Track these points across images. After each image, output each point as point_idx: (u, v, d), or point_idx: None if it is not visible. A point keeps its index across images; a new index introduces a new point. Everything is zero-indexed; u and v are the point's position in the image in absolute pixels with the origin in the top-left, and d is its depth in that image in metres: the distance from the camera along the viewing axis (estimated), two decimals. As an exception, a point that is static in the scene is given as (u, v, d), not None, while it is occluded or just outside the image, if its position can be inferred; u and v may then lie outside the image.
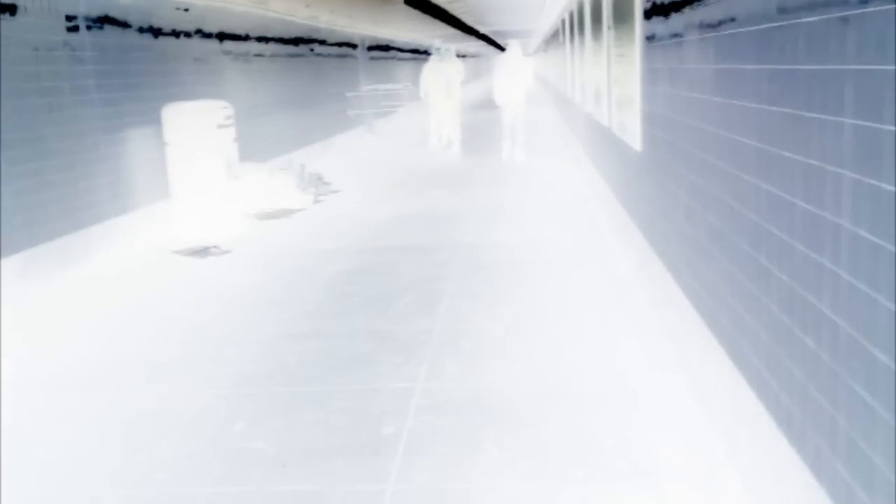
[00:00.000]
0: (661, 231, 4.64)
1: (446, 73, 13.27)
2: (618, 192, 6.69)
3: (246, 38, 10.68)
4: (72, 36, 6.49)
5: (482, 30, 27.07)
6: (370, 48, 18.80)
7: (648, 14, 4.95)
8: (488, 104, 16.46)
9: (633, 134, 5.71)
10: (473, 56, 43.76)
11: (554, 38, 21.57)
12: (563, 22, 15.97)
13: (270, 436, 3.25)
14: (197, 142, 7.38)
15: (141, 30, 7.66)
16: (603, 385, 3.61)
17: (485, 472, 2.89)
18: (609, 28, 7.12)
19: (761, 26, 2.60)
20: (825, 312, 2.06)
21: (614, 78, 6.86)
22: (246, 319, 4.85)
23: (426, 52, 13.70)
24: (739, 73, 2.86)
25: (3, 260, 5.41)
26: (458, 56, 14.17)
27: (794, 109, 2.28)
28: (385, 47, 20.87)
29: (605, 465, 2.89)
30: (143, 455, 3.13)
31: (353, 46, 17.22)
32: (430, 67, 13.41)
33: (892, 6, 1.70)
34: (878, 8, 1.77)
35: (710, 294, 3.39)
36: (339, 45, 15.98)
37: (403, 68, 22.57)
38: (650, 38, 5.00)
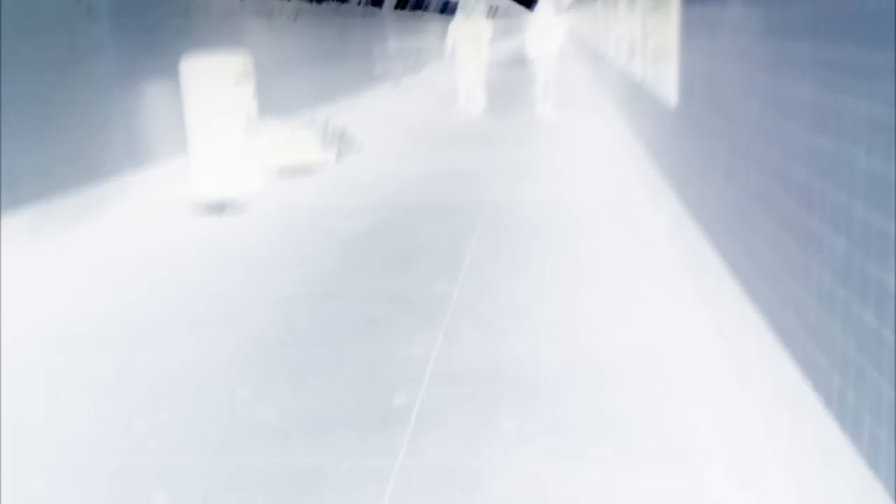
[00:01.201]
0: (697, 191, 4.35)
1: (474, 29, 12.87)
2: (651, 149, 6.37)
3: (269, -11, 10.39)
4: (84, -17, 6.26)
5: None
6: (397, 4, 18.37)
7: (689, -43, 4.61)
8: (519, 61, 16.03)
9: (667, 88, 5.38)
10: (503, 14, 42.93)
11: (587, -8, 20.95)
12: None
13: (275, 404, 3.07)
14: (215, 96, 7.14)
15: (158, -22, 7.40)
16: (631, 356, 3.37)
17: (500, 448, 2.68)
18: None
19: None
20: (889, 285, 1.80)
21: (649, 29, 6.50)
22: (259, 279, 4.66)
23: (454, 9, 13.27)
24: (792, 13, 2.56)
25: (14, 214, 5.26)
26: (489, 11, 13.74)
27: (859, 47, 1.99)
28: (413, 3, 20.41)
29: (631, 444, 2.67)
30: (141, 422, 2.96)
31: (380, 2, 16.82)
32: (456, 24, 13.01)
33: None
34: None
35: (750, 260, 3.13)
36: (366, 1, 15.59)
37: (431, 25, 22.09)
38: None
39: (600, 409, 2.92)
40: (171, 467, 2.64)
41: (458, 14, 13.07)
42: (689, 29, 4.67)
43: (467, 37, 12.89)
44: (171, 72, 7.18)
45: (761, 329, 2.91)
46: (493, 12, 32.76)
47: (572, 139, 9.71)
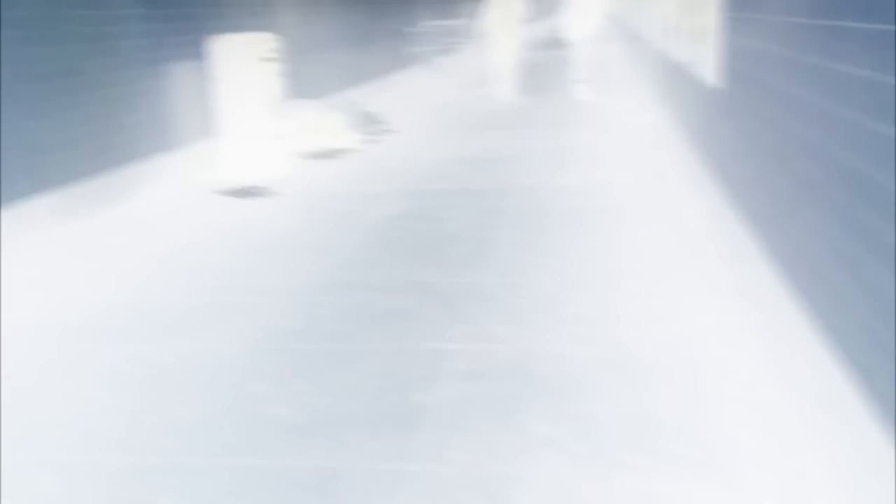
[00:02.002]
0: (738, 178, 4.14)
1: (507, 10, 12.62)
2: (690, 134, 6.14)
3: (299, -31, 10.24)
4: (110, -37, 6.17)
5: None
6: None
7: (732, -70, 4.38)
8: (556, 42, 15.75)
9: (708, 69, 5.15)
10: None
11: (625, -29, 20.52)
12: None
13: (292, 400, 2.95)
14: (242, 76, 7.04)
15: (186, -42, 7.29)
16: (665, 353, 3.20)
17: (525, 452, 2.53)
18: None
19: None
20: (959, 289, 1.61)
21: (688, 8, 6.25)
22: (282, 266, 4.55)
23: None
24: (848, -13, 2.35)
25: (39, 197, 5.21)
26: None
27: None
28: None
29: (666, 449, 2.50)
30: (153, 417, 2.86)
31: (414, -20, 16.59)
32: (490, 4, 12.77)
33: None
34: None
35: (794, 253, 2.93)
36: (399, -22, 15.39)
37: (466, 4, 21.80)
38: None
39: (632, 411, 2.75)
40: (180, 467, 2.53)
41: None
42: (732, 7, 4.43)
43: (501, 17, 12.65)
44: (200, 52, 7.08)
45: (805, 327, 2.72)
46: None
47: (608, 122, 9.47)
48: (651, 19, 10.63)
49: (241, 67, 7.06)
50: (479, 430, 2.68)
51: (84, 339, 3.59)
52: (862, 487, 2.07)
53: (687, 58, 6.43)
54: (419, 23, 16.69)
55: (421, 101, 12.64)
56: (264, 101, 7.17)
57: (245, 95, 7.07)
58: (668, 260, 4.34)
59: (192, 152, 7.16)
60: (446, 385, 3.00)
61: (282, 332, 3.59)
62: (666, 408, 2.76)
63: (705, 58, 5.34)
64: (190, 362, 3.30)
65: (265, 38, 7.23)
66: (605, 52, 17.47)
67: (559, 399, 2.86)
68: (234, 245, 5.03)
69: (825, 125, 2.57)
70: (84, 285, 4.35)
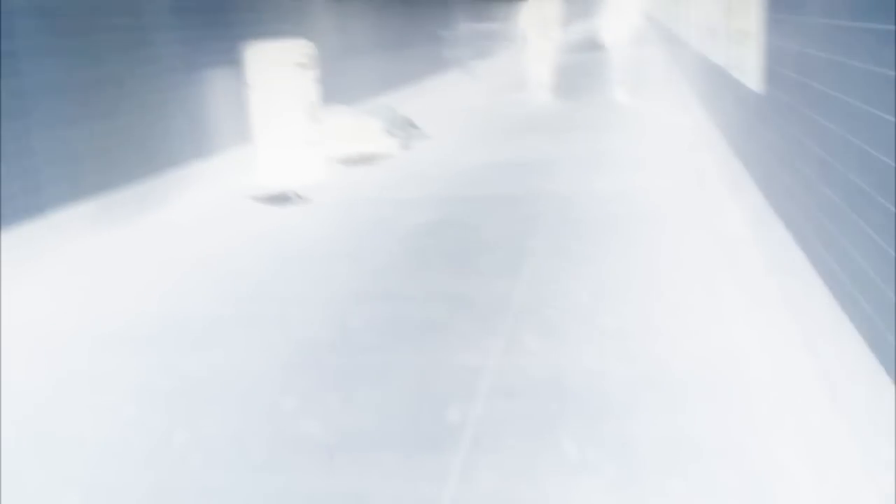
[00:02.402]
0: (784, 186, 4.00)
1: (544, 13, 12.49)
2: (732, 139, 5.98)
3: (335, -26, 10.23)
4: (147, -29, 6.19)
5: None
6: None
7: (777, -70, 4.23)
8: (594, 43, 15.58)
9: (751, 73, 5.00)
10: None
11: (664, -28, 20.26)
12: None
13: (322, 417, 2.88)
14: (278, 83, 7.03)
15: (222, -35, 7.31)
16: (707, 370, 3.08)
17: (561, 476, 2.43)
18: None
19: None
20: None
21: (730, 9, 6.09)
22: (316, 275, 4.50)
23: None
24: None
25: (75, 205, 5.23)
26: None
27: None
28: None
29: (708, 475, 2.39)
30: (183, 433, 2.81)
31: (451, -16, 16.54)
32: (527, 6, 12.66)
33: None
34: None
35: (844, 267, 2.79)
36: (436, -18, 15.35)
37: (504, 7, 21.70)
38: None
39: (673, 433, 2.64)
40: (207, 486, 2.48)
41: (529, -4, 12.72)
42: (776, 8, 4.29)
43: (538, 20, 12.53)
44: (236, 59, 7.09)
45: (857, 345, 2.58)
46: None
47: (647, 125, 9.31)
48: (690, 21, 10.44)
49: (277, 74, 7.06)
50: (513, 450, 2.59)
51: (115, 351, 3.57)
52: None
53: (727, 60, 6.27)
54: (456, 26, 16.64)
55: (456, 105, 12.57)
56: (300, 107, 7.15)
57: (280, 101, 7.07)
58: (709, 269, 4.21)
59: (229, 158, 7.17)
60: (479, 402, 2.92)
61: (313, 345, 3.54)
62: (708, 430, 2.65)
63: (746, 61, 5.19)
64: (220, 376, 3.26)
65: (300, 45, 7.22)
66: (642, 54, 17.25)
67: (595, 419, 2.76)
68: (268, 253, 4.99)
69: (871, 132, 2.44)
70: (118, 294, 4.34)
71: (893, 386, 2.22)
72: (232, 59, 7.12)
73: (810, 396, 2.83)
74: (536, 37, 12.55)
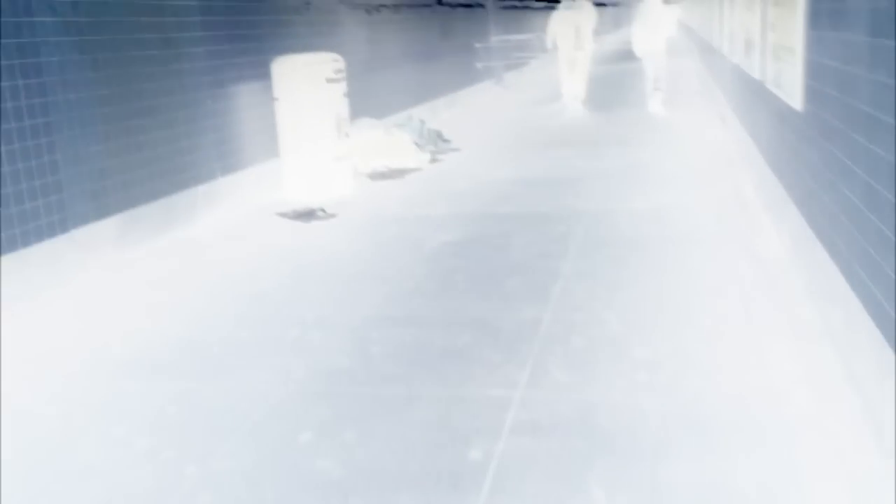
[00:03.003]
0: (826, 210, 3.82)
1: (577, 21, 12.29)
2: (770, 156, 5.79)
3: (367, -13, 10.19)
4: (175, -14, 6.17)
5: (622, -25, 25.48)
6: (501, -4, 17.96)
7: (820, -58, 4.06)
8: (627, 54, 15.39)
9: (791, 89, 4.81)
10: (613, 4, 41.81)
11: (700, -19, 19.99)
12: (712, -37, 14.61)
13: (338, 452, 2.77)
14: (306, 97, 6.97)
15: (252, -21, 7.27)
16: (746, 407, 2.91)
17: (588, 525, 2.29)
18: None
19: None
20: None
21: (769, 22, 5.90)
22: (339, 297, 4.40)
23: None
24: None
25: (97, 223, 5.19)
26: (595, 3, 13.08)
27: None
28: (517, -5, 19.96)
29: (746, 528, 2.23)
30: (193, 468, 2.71)
31: (484, -5, 16.45)
32: (558, 15, 12.47)
33: None
34: None
35: (890, 298, 2.62)
36: (468, -7, 15.27)
37: (537, 17, 21.57)
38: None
39: (708, 477, 2.48)
40: (216, 528, 2.38)
41: (561, 5, 12.54)
42: (818, 24, 4.11)
43: (570, 29, 12.33)
44: (264, 73, 7.04)
45: (909, 388, 2.41)
46: (599, 3, 31.90)
47: (682, 140, 9.11)
48: (728, 33, 10.22)
49: (305, 88, 7.00)
50: (538, 495, 2.45)
51: (130, 376, 3.49)
52: None
53: (765, 75, 6.08)
54: (488, 37, 16.54)
55: (488, 118, 12.45)
56: (327, 122, 7.08)
57: (308, 116, 7.01)
58: (749, 296, 4.03)
59: (256, 174, 7.12)
60: (503, 440, 2.78)
61: (332, 373, 3.43)
62: (748, 475, 2.48)
63: (785, 77, 5.01)
64: (236, 405, 3.16)
65: (329, 58, 7.16)
66: (678, 65, 16.96)
67: (625, 460, 2.61)
68: (292, 272, 4.90)
69: (933, 163, 2.28)
70: (137, 315, 4.27)
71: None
72: (260, 74, 7.07)
73: (856, 438, 2.66)
74: (569, 47, 12.35)
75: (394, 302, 4.28)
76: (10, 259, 4.44)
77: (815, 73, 4.16)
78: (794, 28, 4.63)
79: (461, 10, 14.81)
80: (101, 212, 5.26)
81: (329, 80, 7.05)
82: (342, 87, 7.20)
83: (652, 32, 11.80)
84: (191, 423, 3.04)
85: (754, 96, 6.88)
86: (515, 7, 19.68)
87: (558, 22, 12.36)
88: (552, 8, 13.95)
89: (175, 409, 3.16)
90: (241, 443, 2.87)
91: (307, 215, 6.42)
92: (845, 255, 3.40)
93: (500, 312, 4.02)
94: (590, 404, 3.00)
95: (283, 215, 6.44)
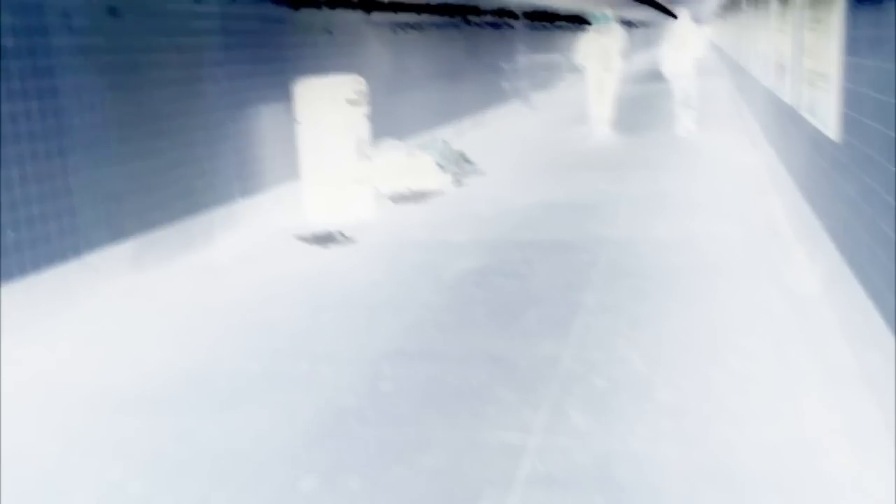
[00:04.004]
0: (862, 243, 3.62)
1: (605, 43, 12.14)
2: (803, 185, 5.58)
3: (394, 7, 10.13)
4: (198, 7, 6.11)
5: (652, -4, 25.34)
6: (529, 17, 17.88)
7: (858, -35, 3.88)
8: (656, 75, 15.20)
9: (826, 117, 4.62)
10: (643, 25, 41.65)
11: (732, 2, 19.78)
12: (743, -16, 14.42)
13: (342, 501, 2.61)
14: (327, 119, 6.88)
15: (277, 0, 7.22)
16: (779, 460, 2.72)
17: None
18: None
19: None
20: None
21: (803, 47, 5.71)
22: (352, 329, 4.26)
23: (590, 22, 12.57)
24: None
25: (111, 247, 5.11)
26: (622, 24, 12.94)
27: None
28: (546, 15, 19.87)
29: None
30: (188, 515, 2.58)
31: (511, 15, 16.38)
32: (587, 37, 12.33)
33: None
34: None
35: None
36: (497, 13, 15.20)
37: (565, 38, 21.45)
38: (855, 8, 3.92)
39: (736, 542, 2.30)
40: (206, 585, 2.23)
41: (591, 27, 12.41)
42: (857, 50, 3.92)
43: (598, 51, 12.19)
44: (285, 95, 6.97)
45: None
46: (628, 23, 31.77)
47: (711, 165, 8.90)
48: (760, 55, 10.01)
49: (327, 110, 6.91)
50: (550, 558, 2.28)
51: (132, 411, 3.37)
52: None
53: (799, 101, 5.88)
54: (515, 57, 16.44)
55: (514, 139, 12.32)
56: (349, 144, 6.98)
57: (330, 138, 6.91)
58: (782, 336, 3.83)
59: (276, 196, 7.03)
60: (516, 492, 2.61)
61: (340, 412, 3.28)
62: (778, 540, 2.29)
63: (820, 104, 4.82)
64: (238, 446, 3.02)
65: (351, 80, 7.07)
66: (707, 87, 16.73)
67: (647, 519, 2.43)
68: (306, 301, 4.78)
69: None
70: (145, 344, 4.17)
71: None
72: (281, 95, 7.00)
73: (898, 501, 2.45)
74: (597, 68, 12.20)
75: (409, 334, 4.14)
76: (19, 284, 4.36)
77: (852, 102, 3.98)
78: (829, 54, 4.44)
79: (489, 29, 14.74)
80: (116, 236, 5.18)
81: (350, 102, 6.95)
82: (363, 109, 7.10)
83: (681, 53, 11.62)
84: (189, 465, 2.90)
85: (787, 122, 6.67)
86: (545, 27, 19.59)
87: (587, 43, 12.22)
88: (581, 29, 13.84)
89: (174, 448, 3.03)
90: (240, 488, 2.73)
91: (326, 239, 6.31)
92: (884, 293, 3.20)
93: (518, 348, 3.85)
94: (609, 454, 2.82)
95: (302, 239, 6.33)
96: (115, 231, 5.17)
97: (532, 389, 3.37)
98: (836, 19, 4.31)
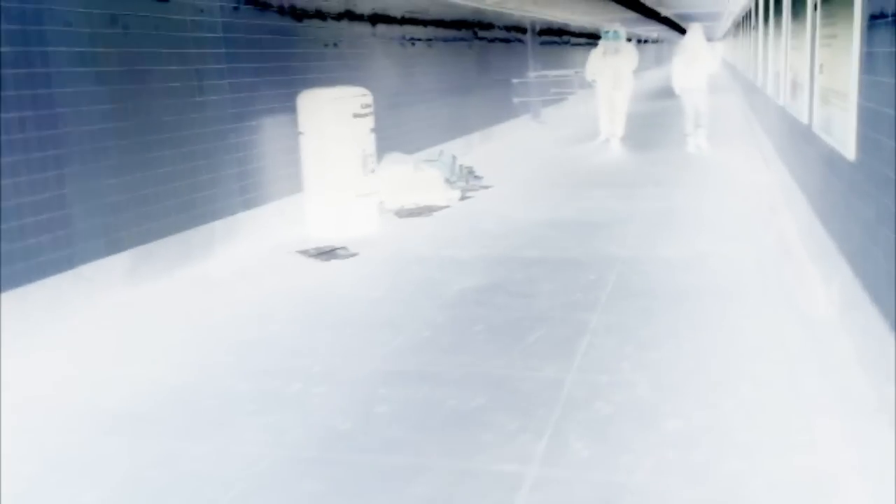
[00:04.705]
0: (879, 268, 3.46)
1: (616, 58, 12.02)
2: (818, 206, 5.42)
3: (402, 21, 10.05)
4: (201, 17, 6.03)
5: (664, 12, 25.27)
6: (540, 32, 17.80)
7: (878, -22, 3.74)
8: (666, 92, 15.09)
9: (842, 136, 4.47)
10: (654, 41, 41.60)
11: (745, 19, 19.66)
12: (756, 1, 14.29)
13: (326, 534, 2.48)
14: (331, 132, 6.78)
15: (282, 11, 7.14)
16: (794, 499, 2.56)
17: None
18: (815, 6, 5.80)
19: None
20: None
21: (819, 64, 5.57)
22: (349, 347, 4.13)
23: (600, 37, 12.45)
24: None
25: (108, 259, 5.00)
26: (634, 41, 12.82)
27: None
28: (557, 31, 19.79)
29: None
30: (164, 546, 2.44)
31: (522, 30, 16.30)
32: (597, 53, 12.22)
33: None
34: None
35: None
36: (507, 28, 15.12)
37: (576, 54, 21.37)
38: (876, 17, 3.78)
39: (746, 588, 2.14)
40: None
41: (601, 42, 12.30)
42: (875, 67, 3.78)
43: (608, 66, 12.07)
44: (289, 106, 6.87)
45: None
46: (640, 40, 31.72)
47: (722, 182, 8.74)
48: (773, 72, 9.87)
49: (331, 122, 6.80)
50: None
51: (115, 431, 3.24)
52: None
53: (813, 119, 5.74)
54: (527, 72, 16.35)
55: (523, 155, 12.20)
56: (353, 157, 6.87)
57: (333, 151, 6.80)
58: (793, 361, 3.67)
59: (278, 210, 6.92)
60: (511, 527, 2.47)
61: (331, 436, 3.14)
62: (791, 587, 2.14)
63: (839, 123, 4.67)
64: (221, 470, 2.89)
65: (356, 92, 6.97)
66: (719, 104, 16.57)
67: (651, 561, 2.28)
68: (303, 318, 4.65)
69: None
70: (135, 360, 4.04)
71: None
72: (286, 107, 6.90)
73: (920, 546, 2.29)
74: (607, 84, 12.08)
75: (407, 354, 4.00)
76: (10, 296, 4.25)
77: (870, 121, 3.83)
78: (846, 71, 4.30)
79: (499, 44, 14.65)
80: (112, 247, 5.07)
81: (356, 115, 6.85)
82: (369, 121, 6.99)
83: (692, 69, 11.49)
84: (169, 490, 2.77)
85: (800, 140, 6.52)
86: (555, 42, 19.50)
87: (597, 60, 12.11)
88: (592, 44, 13.73)
89: (155, 472, 2.89)
90: (222, 517, 2.60)
91: (328, 254, 6.18)
92: (904, 322, 3.05)
93: (520, 370, 3.71)
94: (612, 487, 2.67)
95: (303, 253, 6.21)
96: (112, 243, 5.07)
97: (532, 415, 3.23)
98: (853, 36, 4.17)
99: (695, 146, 11.29)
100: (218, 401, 3.50)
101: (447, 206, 7.97)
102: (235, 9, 6.45)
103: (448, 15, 11.83)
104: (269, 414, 3.35)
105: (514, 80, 15.40)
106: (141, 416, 3.37)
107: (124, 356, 4.10)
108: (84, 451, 3.08)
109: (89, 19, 4.94)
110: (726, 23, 31.60)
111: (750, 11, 16.87)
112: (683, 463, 2.81)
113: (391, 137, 8.83)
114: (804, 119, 6.24)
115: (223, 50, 6.28)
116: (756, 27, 14.36)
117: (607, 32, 12.15)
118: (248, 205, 6.55)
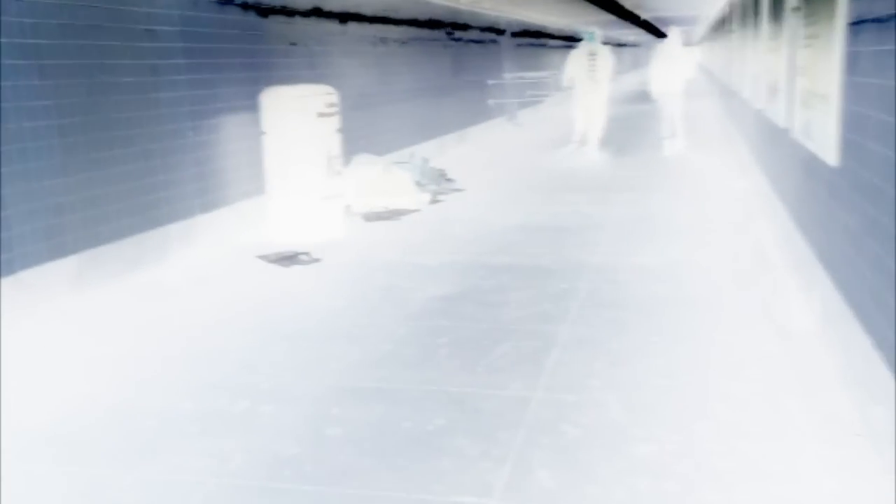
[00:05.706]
0: (862, 278, 3.28)
1: (593, 62, 11.84)
2: (796, 212, 5.25)
3: (372, 19, 9.79)
4: (155, 9, 5.74)
5: (643, 16, 25.16)
6: (516, 33, 17.61)
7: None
8: (644, 96, 14.95)
9: (823, 141, 4.29)
10: (632, 45, 41.62)
11: (721, 24, 19.61)
12: (732, 3, 14.19)
13: (260, 577, 2.23)
14: (295, 131, 6.51)
15: (245, 6, 6.86)
16: (771, 536, 2.35)
17: None
18: (795, 7, 5.62)
19: None
20: None
21: (798, 66, 5.39)
22: (303, 361, 3.87)
23: (578, 39, 12.26)
24: None
25: (49, 264, 4.71)
26: (609, 44, 12.64)
27: None
28: (534, 33, 19.62)
29: None
30: (77, 593, 2.18)
31: (498, 31, 16.10)
32: (575, 55, 12.04)
33: None
34: None
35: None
36: (482, 29, 14.91)
37: (553, 56, 21.20)
38: (858, 22, 3.60)
39: None
40: None
41: (579, 45, 12.11)
42: (859, 68, 3.59)
43: (586, 70, 11.88)
44: (251, 105, 6.59)
45: None
46: (618, 43, 31.67)
47: (698, 188, 8.58)
48: (750, 76, 9.73)
49: (295, 122, 6.54)
50: None
51: (41, 457, 2.96)
52: None
53: (791, 123, 5.56)
54: (503, 74, 16.14)
55: (497, 157, 11.99)
56: (317, 158, 6.61)
57: (297, 151, 6.54)
58: (771, 378, 3.47)
59: (239, 212, 6.64)
60: (466, 570, 2.23)
61: (278, 462, 2.88)
62: None
63: (815, 127, 4.49)
64: (160, 499, 2.62)
65: (321, 91, 6.71)
66: (696, 108, 16.44)
67: None
68: (257, 328, 4.39)
69: None
70: (72, 375, 3.76)
71: None
72: (248, 105, 6.63)
73: (912, 592, 2.09)
74: (584, 87, 11.90)
75: (364, 369, 3.75)
76: (-63, 305, 3.96)
77: (854, 125, 3.64)
78: (828, 73, 4.11)
79: (474, 45, 14.44)
80: (56, 251, 4.78)
81: (320, 115, 6.59)
82: (335, 121, 6.74)
83: (669, 73, 11.35)
84: (93, 525, 2.51)
85: (779, 145, 6.36)
86: (531, 44, 19.33)
87: (574, 63, 11.92)
88: (570, 46, 13.54)
89: (82, 501, 2.63)
90: (146, 558, 2.34)
91: (289, 259, 5.92)
92: (884, 333, 2.86)
93: (483, 388, 3.47)
94: (578, 522, 2.44)
95: (264, 258, 5.94)
96: (55, 247, 4.78)
97: (495, 439, 2.99)
98: (836, 34, 3.98)
99: (671, 150, 11.15)
100: (157, 422, 3.24)
101: (417, 210, 7.73)
102: (194, 2, 6.17)
103: (422, 14, 11.60)
104: (211, 437, 3.09)
105: (490, 82, 15.20)
106: (71, 440, 3.10)
107: (62, 370, 3.82)
108: (7, 480, 2.80)
109: (32, 8, 4.65)
110: (703, 27, 31.64)
111: (727, 14, 16.79)
112: (655, 494, 2.59)
113: (361, 138, 8.58)
114: (782, 123, 6.08)
115: (181, 44, 5.99)
116: (732, 30, 14.26)
117: (585, 35, 11.97)
118: (206, 207, 6.27)
